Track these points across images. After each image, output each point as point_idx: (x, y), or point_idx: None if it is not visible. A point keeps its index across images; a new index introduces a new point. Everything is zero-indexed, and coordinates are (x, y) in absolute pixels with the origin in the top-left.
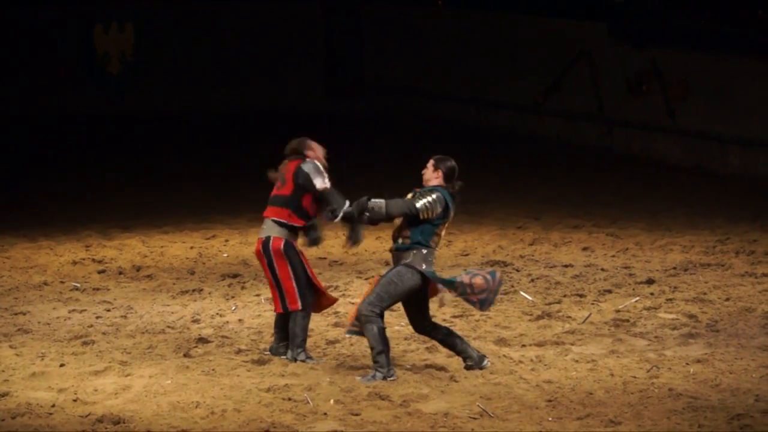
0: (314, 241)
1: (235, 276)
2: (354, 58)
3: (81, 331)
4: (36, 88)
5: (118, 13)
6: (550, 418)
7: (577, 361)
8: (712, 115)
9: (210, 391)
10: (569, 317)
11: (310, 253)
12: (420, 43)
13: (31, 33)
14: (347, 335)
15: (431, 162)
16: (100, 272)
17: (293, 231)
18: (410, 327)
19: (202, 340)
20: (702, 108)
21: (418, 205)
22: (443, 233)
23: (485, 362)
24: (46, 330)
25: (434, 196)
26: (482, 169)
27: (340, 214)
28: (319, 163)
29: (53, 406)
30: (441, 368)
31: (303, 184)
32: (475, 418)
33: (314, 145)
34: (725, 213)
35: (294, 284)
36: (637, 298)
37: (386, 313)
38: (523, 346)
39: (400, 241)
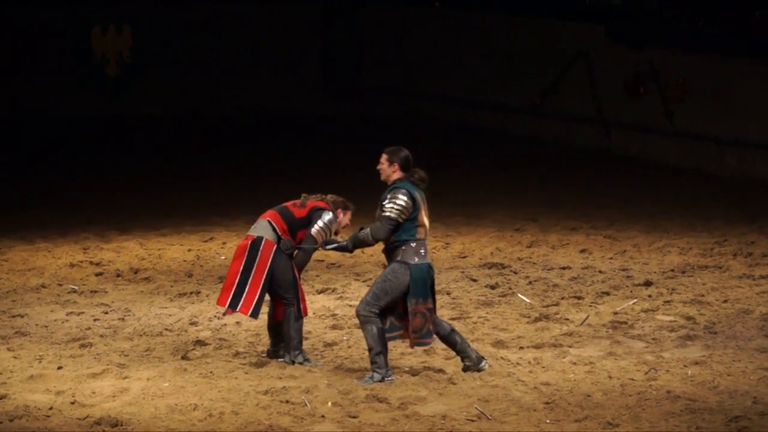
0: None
1: None
2: (352, 59)
3: (79, 333)
4: (34, 89)
5: (115, 15)
6: (547, 421)
7: (574, 364)
8: (710, 117)
9: (208, 394)
10: (567, 319)
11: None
12: (418, 45)
13: (29, 34)
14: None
15: (384, 157)
16: (97, 275)
17: (279, 240)
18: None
19: (200, 343)
20: (699, 110)
21: (394, 215)
22: (425, 220)
23: (483, 364)
24: (44, 332)
25: (399, 196)
26: (480, 171)
27: (327, 247)
28: (333, 225)
29: (51, 408)
30: (439, 370)
31: (310, 217)
32: (472, 421)
33: (344, 215)
34: (723, 215)
35: (259, 292)
36: (635, 300)
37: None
38: (521, 348)
39: (391, 239)
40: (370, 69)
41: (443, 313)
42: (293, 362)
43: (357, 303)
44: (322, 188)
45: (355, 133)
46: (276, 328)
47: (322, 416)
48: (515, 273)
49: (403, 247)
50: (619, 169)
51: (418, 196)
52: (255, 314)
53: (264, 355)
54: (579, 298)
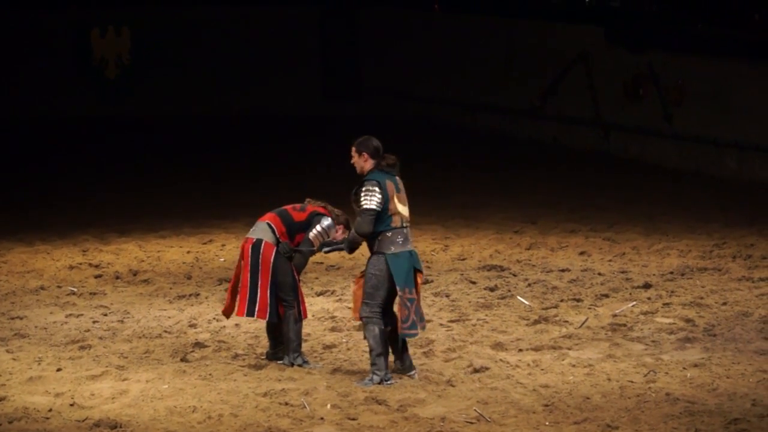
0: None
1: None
2: (351, 61)
3: (78, 335)
4: (33, 91)
5: (114, 17)
6: (547, 423)
7: (574, 366)
8: (709, 119)
9: (207, 396)
10: (566, 322)
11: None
12: (417, 47)
13: (29, 36)
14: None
15: (353, 149)
16: (96, 277)
17: (277, 242)
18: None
19: (199, 345)
20: (699, 112)
21: (372, 205)
22: (400, 207)
23: (413, 372)
24: (43, 334)
25: (370, 188)
26: (479, 173)
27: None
28: (331, 231)
29: (50, 410)
30: (438, 373)
31: (309, 221)
32: (472, 423)
33: (342, 232)
34: (722, 217)
35: (268, 294)
36: (634, 303)
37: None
38: (520, 350)
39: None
40: (370, 71)
41: (442, 315)
42: (292, 364)
43: (361, 305)
44: (321, 189)
45: (355, 135)
46: (275, 330)
47: (321, 418)
48: (514, 275)
49: (379, 238)
50: (618, 172)
51: (390, 184)
52: (272, 317)
53: (263, 357)
54: (578, 300)
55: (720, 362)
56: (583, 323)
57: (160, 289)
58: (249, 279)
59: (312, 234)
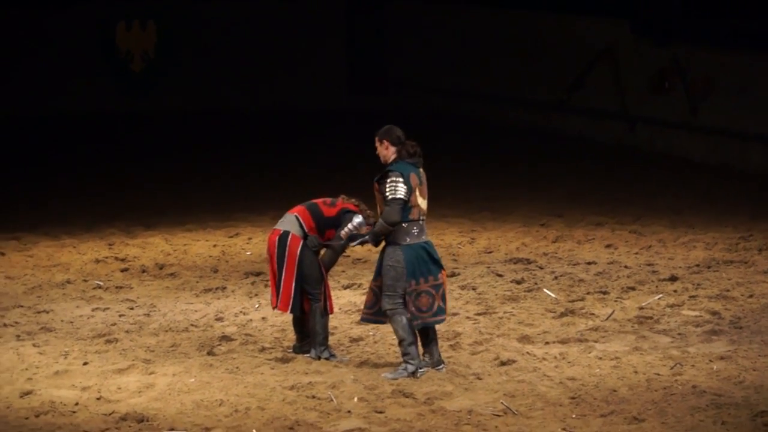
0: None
1: (258, 274)
2: (376, 55)
3: (104, 329)
4: (60, 85)
5: (140, 11)
6: (573, 415)
7: (600, 359)
8: (735, 113)
9: (233, 389)
10: (592, 314)
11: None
12: (443, 40)
13: (54, 30)
14: (362, 322)
15: (376, 139)
16: (123, 270)
17: (305, 237)
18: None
19: (226, 338)
20: (725, 105)
21: (400, 195)
22: (419, 200)
23: (441, 367)
24: (69, 328)
25: (395, 178)
26: (505, 166)
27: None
28: (362, 229)
29: (77, 404)
30: (465, 365)
31: (341, 219)
32: (498, 416)
33: (366, 231)
34: (748, 210)
35: (293, 287)
36: (661, 296)
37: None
38: (547, 343)
39: None
40: (395, 64)
41: (469, 308)
42: (319, 357)
43: (382, 298)
44: (348, 183)
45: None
46: (302, 323)
47: (348, 411)
48: (541, 268)
49: (396, 228)
50: (644, 165)
51: (413, 176)
52: (295, 310)
53: (290, 350)
54: (604, 293)
55: (746, 355)
56: (610, 316)
57: (187, 283)
58: (276, 271)
59: (344, 232)
